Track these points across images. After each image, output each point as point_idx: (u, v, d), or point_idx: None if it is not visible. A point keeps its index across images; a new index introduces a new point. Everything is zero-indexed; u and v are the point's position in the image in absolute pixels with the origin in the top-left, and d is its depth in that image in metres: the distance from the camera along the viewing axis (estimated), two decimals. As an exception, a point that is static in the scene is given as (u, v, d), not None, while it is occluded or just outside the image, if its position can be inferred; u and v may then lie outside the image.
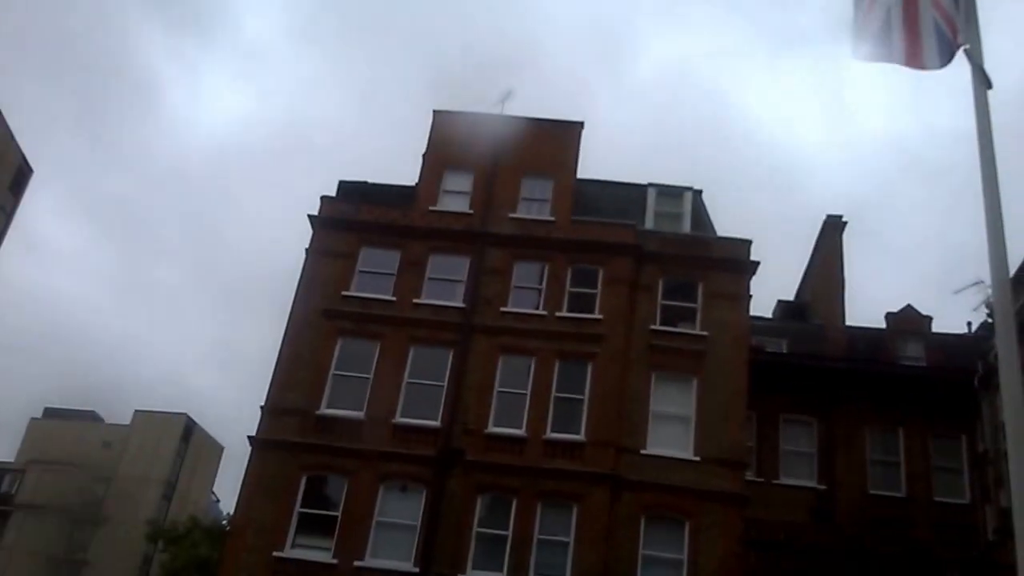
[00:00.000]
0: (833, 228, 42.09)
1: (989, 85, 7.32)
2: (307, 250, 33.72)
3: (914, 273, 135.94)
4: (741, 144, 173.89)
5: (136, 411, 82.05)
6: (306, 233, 33.79)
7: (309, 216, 34.14)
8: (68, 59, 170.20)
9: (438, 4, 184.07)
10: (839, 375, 36.75)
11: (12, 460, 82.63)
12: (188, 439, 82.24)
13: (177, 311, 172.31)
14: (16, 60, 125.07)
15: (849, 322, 40.29)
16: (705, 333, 31.68)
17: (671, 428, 30.55)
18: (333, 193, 35.61)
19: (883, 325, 40.70)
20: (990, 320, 35.68)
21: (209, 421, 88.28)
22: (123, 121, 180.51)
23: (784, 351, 39.47)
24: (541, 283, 32.73)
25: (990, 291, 34.51)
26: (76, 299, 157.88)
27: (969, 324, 42.70)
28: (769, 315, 43.45)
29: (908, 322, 40.59)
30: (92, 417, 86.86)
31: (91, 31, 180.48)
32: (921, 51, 7.55)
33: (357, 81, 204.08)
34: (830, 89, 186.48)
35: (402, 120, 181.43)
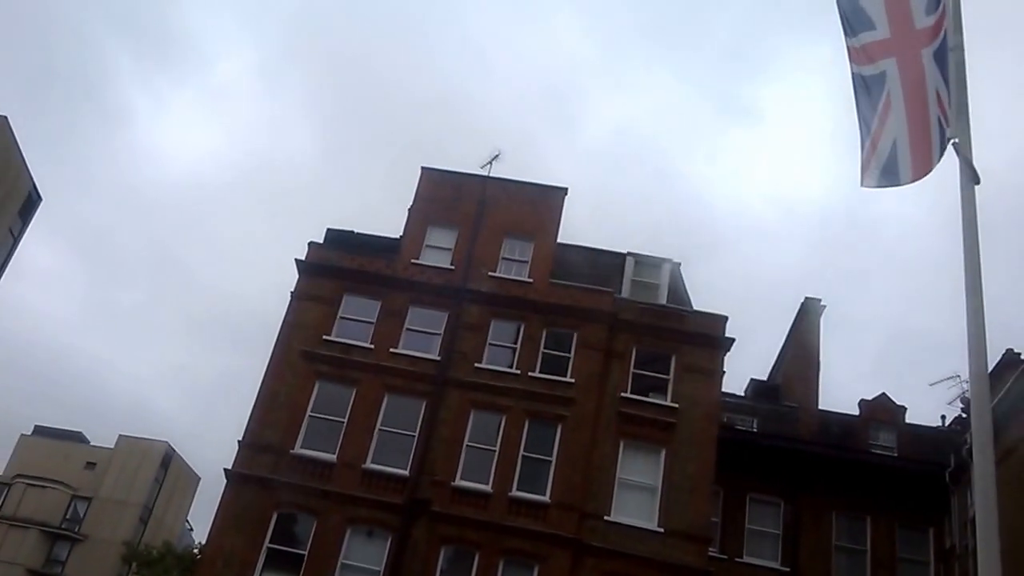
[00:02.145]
0: (811, 310, 41.55)
1: (977, 180, 7.15)
2: (292, 293, 33.57)
3: (867, 353, 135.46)
4: (687, 208, 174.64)
5: (120, 435, 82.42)
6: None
7: (296, 260, 34.07)
8: (40, 82, 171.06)
9: (400, 56, 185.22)
10: (809, 458, 36.11)
11: (0, 474, 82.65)
12: (167, 466, 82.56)
13: (147, 338, 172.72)
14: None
15: (822, 406, 39.76)
16: (676, 405, 31.23)
17: (637, 497, 30.08)
18: (320, 239, 35.40)
19: (856, 411, 40.10)
20: (964, 415, 35.19)
21: (182, 448, 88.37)
22: (94, 149, 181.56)
23: (755, 430, 38.91)
24: (516, 342, 32.45)
25: (965, 386, 34.13)
26: (49, 319, 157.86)
27: (943, 417, 42.20)
28: (741, 392, 42.90)
29: (882, 411, 40.00)
30: (79, 438, 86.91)
31: (64, 55, 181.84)
32: (930, 153, 7.40)
33: (325, 126, 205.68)
34: (772, 155, 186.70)
35: (369, 166, 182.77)
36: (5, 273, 46.11)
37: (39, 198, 47.18)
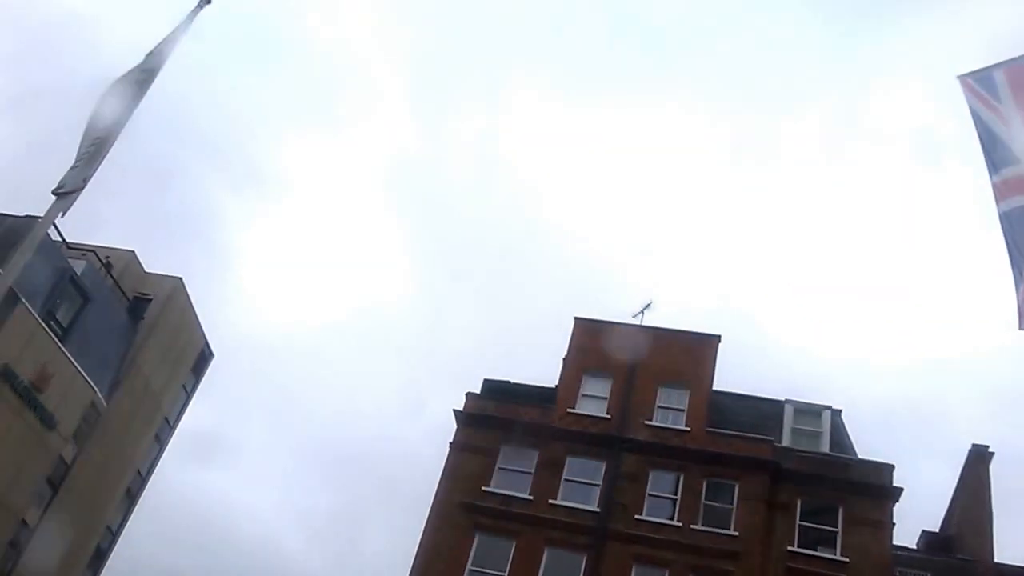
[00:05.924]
0: (979, 459, 38.87)
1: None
2: (451, 444, 32.87)
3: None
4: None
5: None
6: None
7: (454, 411, 33.51)
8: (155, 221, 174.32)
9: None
10: (988, 613, 33.01)
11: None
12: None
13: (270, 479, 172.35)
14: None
15: (998, 559, 36.56)
16: (846, 559, 29.07)
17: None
18: (478, 390, 34.86)
19: (1035, 563, 36.64)
20: None
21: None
22: (206, 289, 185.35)
23: (931, 584, 35.89)
24: (676, 493, 30.93)
25: None
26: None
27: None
28: (913, 545, 39.92)
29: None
30: None
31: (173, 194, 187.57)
32: None
33: (423, 263, 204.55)
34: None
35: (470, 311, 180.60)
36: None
37: (211, 354, 47.99)
